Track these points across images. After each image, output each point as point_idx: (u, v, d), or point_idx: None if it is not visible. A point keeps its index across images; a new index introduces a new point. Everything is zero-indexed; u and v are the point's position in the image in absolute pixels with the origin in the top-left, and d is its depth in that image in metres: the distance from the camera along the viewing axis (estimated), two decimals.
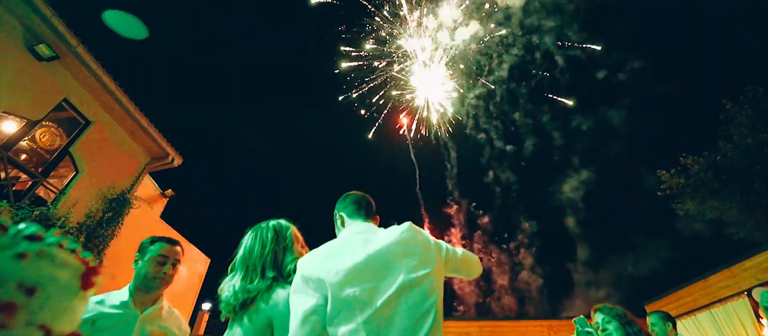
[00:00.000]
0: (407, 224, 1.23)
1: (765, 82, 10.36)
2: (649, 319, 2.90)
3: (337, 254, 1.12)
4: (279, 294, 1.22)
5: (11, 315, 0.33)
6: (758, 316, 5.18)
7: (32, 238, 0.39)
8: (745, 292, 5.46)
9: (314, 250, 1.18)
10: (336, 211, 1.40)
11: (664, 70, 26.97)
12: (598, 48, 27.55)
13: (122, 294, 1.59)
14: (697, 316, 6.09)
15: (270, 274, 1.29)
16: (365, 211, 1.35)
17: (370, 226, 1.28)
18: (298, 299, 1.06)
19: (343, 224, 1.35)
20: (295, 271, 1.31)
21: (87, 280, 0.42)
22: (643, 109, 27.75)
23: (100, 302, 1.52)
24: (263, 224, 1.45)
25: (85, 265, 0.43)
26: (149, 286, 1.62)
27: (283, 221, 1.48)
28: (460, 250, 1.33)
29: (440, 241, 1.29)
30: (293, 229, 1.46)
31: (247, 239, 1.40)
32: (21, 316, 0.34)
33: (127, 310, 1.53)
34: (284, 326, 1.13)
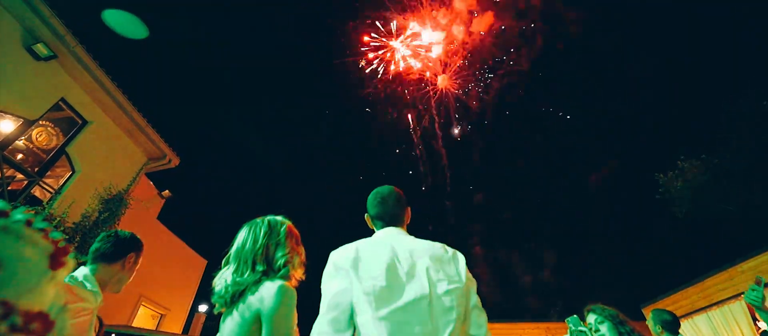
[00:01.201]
0: (439, 243, 1.26)
1: (763, 86, 10.43)
2: (650, 316, 2.90)
3: (367, 250, 1.16)
4: (268, 288, 1.23)
5: None
6: (755, 319, 5.18)
7: None
8: (742, 295, 5.45)
9: (346, 244, 1.22)
10: (367, 214, 1.42)
11: (663, 71, 27.09)
12: (596, 50, 27.67)
13: (92, 284, 1.49)
14: (694, 318, 6.09)
15: (260, 267, 1.31)
16: (395, 219, 1.35)
17: (401, 231, 1.31)
18: (329, 283, 1.10)
19: (371, 227, 1.39)
20: (285, 265, 1.33)
21: (56, 260, 0.42)
22: (641, 111, 27.83)
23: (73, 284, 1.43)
24: (259, 219, 1.48)
25: (54, 245, 0.42)
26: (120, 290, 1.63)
27: (278, 217, 1.50)
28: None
29: (472, 277, 1.27)
30: (289, 226, 1.48)
31: (242, 233, 1.43)
32: None
33: (95, 300, 1.47)
34: (271, 319, 1.15)
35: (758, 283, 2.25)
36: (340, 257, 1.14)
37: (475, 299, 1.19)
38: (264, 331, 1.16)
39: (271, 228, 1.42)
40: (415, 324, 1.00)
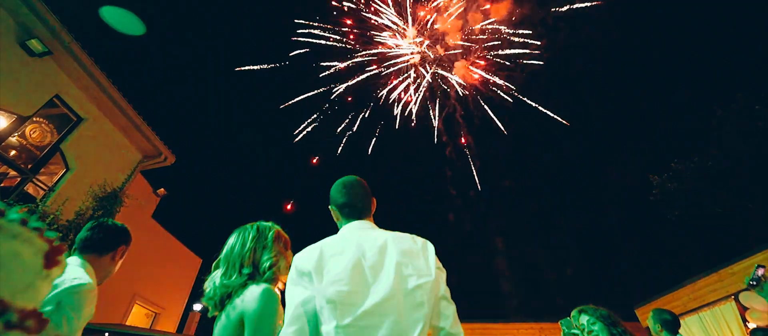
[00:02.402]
0: (408, 235, 1.21)
1: (755, 89, 10.57)
2: (650, 315, 2.92)
3: (332, 250, 1.10)
4: (252, 291, 1.26)
5: None
6: (745, 320, 5.25)
7: None
8: (733, 296, 5.53)
9: (310, 246, 1.17)
10: (330, 206, 1.35)
11: (657, 74, 27.35)
12: (590, 51, 27.86)
13: (90, 277, 1.40)
14: (685, 319, 6.16)
15: (246, 270, 1.35)
16: (363, 210, 1.29)
17: (368, 225, 1.25)
18: (292, 291, 1.06)
19: (337, 220, 1.32)
20: (270, 268, 1.35)
21: (51, 259, 0.43)
22: (636, 114, 28.10)
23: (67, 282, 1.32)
24: (248, 225, 1.51)
25: (49, 244, 0.43)
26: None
27: (268, 222, 1.54)
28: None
29: (442, 266, 1.21)
30: (277, 230, 1.52)
31: (232, 238, 1.47)
32: None
33: None
34: (253, 322, 1.18)
35: (757, 272, 2.30)
36: (302, 261, 1.08)
37: (443, 289, 1.13)
38: (245, 333, 1.17)
39: (260, 232, 1.46)
40: (382, 326, 0.96)
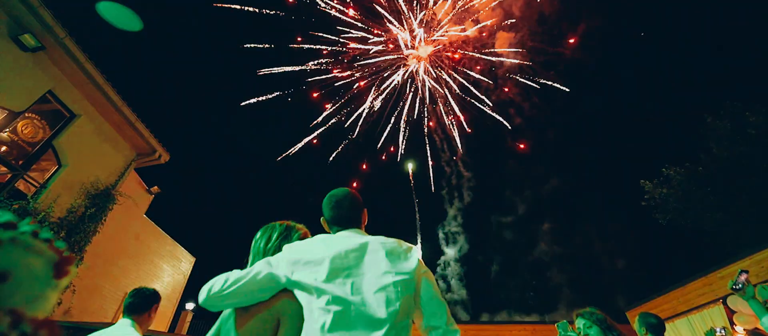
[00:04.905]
0: (394, 239, 1.29)
1: (744, 97, 10.76)
2: (636, 319, 2.97)
3: (317, 244, 1.22)
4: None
5: None
6: (733, 323, 5.35)
7: (6, 225, 0.40)
8: (721, 300, 5.64)
9: (298, 242, 1.28)
10: (322, 218, 1.42)
11: (651, 80, 27.70)
12: (585, 56, 28.14)
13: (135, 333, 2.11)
14: (675, 322, 6.26)
15: None
16: (350, 221, 1.36)
17: (355, 232, 1.31)
18: (263, 266, 1.16)
19: (327, 229, 1.40)
20: None
21: (60, 269, 0.44)
22: (629, 120, 28.42)
23: None
24: (276, 223, 1.49)
25: (59, 255, 0.44)
26: None
27: (295, 223, 1.51)
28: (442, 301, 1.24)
29: (427, 269, 1.28)
30: (304, 231, 1.48)
31: (257, 235, 1.45)
32: None
33: None
34: (289, 319, 1.14)
35: (740, 278, 2.33)
36: (291, 250, 1.20)
37: (431, 291, 1.20)
38: (281, 331, 1.14)
39: (288, 230, 1.44)
40: (358, 313, 1.03)
